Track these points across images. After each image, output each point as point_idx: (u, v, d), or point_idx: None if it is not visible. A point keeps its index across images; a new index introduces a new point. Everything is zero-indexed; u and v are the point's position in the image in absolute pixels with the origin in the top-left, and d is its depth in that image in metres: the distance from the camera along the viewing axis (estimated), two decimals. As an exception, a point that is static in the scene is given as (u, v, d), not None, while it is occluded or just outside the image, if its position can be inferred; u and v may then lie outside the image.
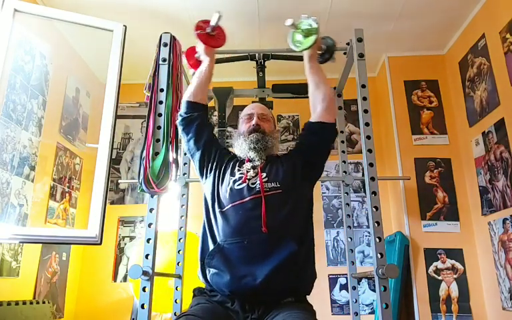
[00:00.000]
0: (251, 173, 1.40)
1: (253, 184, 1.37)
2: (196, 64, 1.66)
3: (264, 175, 1.39)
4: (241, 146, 1.48)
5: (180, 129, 1.53)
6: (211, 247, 1.35)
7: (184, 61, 1.80)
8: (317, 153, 1.48)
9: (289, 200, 1.36)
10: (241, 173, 1.41)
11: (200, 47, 1.59)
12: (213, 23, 1.53)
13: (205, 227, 1.42)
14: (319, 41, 1.55)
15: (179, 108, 1.77)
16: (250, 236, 1.28)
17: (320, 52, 1.65)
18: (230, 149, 1.60)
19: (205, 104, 1.55)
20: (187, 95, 1.53)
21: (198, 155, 1.49)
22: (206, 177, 1.49)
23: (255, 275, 1.23)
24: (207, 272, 1.33)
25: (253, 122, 1.50)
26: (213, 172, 1.47)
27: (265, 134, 1.49)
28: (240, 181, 1.39)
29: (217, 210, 1.38)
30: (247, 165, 1.43)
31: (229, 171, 1.45)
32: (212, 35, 1.56)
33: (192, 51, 1.72)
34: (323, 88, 1.49)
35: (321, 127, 1.46)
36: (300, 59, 2.34)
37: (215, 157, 1.49)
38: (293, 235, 1.31)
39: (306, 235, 1.40)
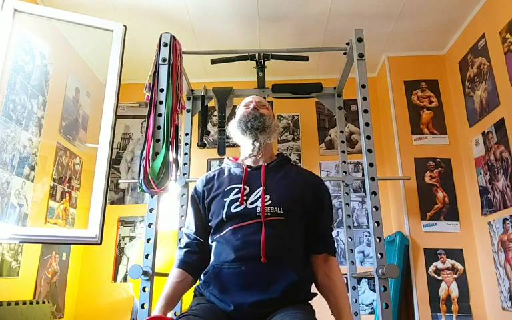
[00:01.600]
0: (247, 190, 1.32)
1: (251, 204, 1.29)
2: None
3: (267, 197, 1.29)
4: (237, 127, 1.41)
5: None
6: (209, 268, 1.30)
7: None
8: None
9: (289, 226, 1.29)
10: (236, 193, 1.32)
11: None
12: None
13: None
14: None
15: (179, 108, 1.77)
16: (248, 262, 1.21)
17: None
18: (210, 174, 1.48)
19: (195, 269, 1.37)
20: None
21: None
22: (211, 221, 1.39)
23: (252, 302, 1.18)
24: (203, 291, 1.30)
25: (251, 106, 1.44)
26: (210, 211, 1.38)
27: (263, 115, 1.42)
28: (237, 203, 1.30)
29: (217, 235, 1.32)
30: (247, 161, 1.38)
31: (220, 195, 1.35)
32: None
33: None
34: (320, 288, 1.35)
35: (311, 251, 1.35)
36: (300, 58, 2.35)
37: (206, 208, 1.39)
38: (293, 264, 1.25)
39: (306, 260, 1.35)
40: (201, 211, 1.41)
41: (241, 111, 1.49)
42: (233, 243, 1.25)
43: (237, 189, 1.33)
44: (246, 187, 1.33)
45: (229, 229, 1.28)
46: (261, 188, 1.31)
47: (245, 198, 1.30)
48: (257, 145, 1.38)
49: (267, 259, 1.21)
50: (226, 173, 1.43)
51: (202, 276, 1.31)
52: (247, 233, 1.25)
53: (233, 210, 1.29)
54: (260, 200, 1.28)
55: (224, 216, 1.29)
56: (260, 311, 1.19)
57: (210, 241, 1.35)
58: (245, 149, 1.44)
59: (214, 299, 1.25)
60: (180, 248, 1.40)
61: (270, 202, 1.28)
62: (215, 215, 1.33)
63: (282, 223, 1.27)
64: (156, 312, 1.25)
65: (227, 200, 1.31)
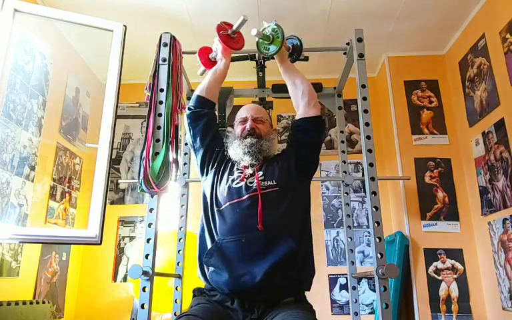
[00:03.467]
0: (249, 171, 1.41)
1: (250, 183, 1.38)
2: (208, 63, 1.67)
3: (260, 173, 1.40)
4: (235, 150, 1.48)
5: (187, 121, 1.53)
6: (209, 245, 1.36)
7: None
8: (306, 149, 1.48)
9: (285, 197, 1.37)
10: (239, 172, 1.42)
11: (219, 48, 1.59)
12: (236, 26, 1.56)
13: (203, 225, 1.43)
14: (285, 42, 1.58)
15: (179, 108, 1.77)
16: (247, 234, 1.29)
17: (288, 52, 1.68)
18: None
19: (214, 102, 1.57)
20: (199, 90, 1.54)
21: (201, 152, 1.50)
22: (206, 175, 1.50)
23: (253, 274, 1.24)
24: (206, 270, 1.34)
25: (247, 126, 1.50)
26: (213, 170, 1.48)
27: (260, 137, 1.48)
28: (238, 180, 1.40)
29: (215, 208, 1.39)
30: (245, 162, 1.44)
31: (227, 170, 1.45)
32: (232, 38, 1.59)
33: (205, 50, 1.73)
34: (301, 85, 1.50)
35: (305, 122, 1.48)
36: (300, 58, 2.35)
37: (217, 156, 1.50)
38: (290, 232, 1.32)
39: (304, 232, 1.40)
40: (217, 145, 1.51)
41: (237, 129, 1.54)
42: (232, 217, 1.33)
43: (240, 170, 1.44)
44: (247, 167, 1.43)
45: (228, 203, 1.36)
46: (255, 168, 1.43)
47: (246, 177, 1.40)
48: (255, 161, 1.45)
49: (264, 227, 1.29)
50: (236, 163, 1.51)
51: (204, 255, 1.34)
52: (245, 207, 1.33)
53: (233, 185, 1.39)
54: (255, 177, 1.39)
55: (225, 190, 1.39)
56: (262, 285, 1.22)
57: (210, 213, 1.41)
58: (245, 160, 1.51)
59: (216, 275, 1.29)
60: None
61: (263, 177, 1.40)
62: (219, 183, 1.43)
63: (277, 193, 1.36)
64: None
65: (231, 177, 1.42)
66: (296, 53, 1.78)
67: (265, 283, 1.23)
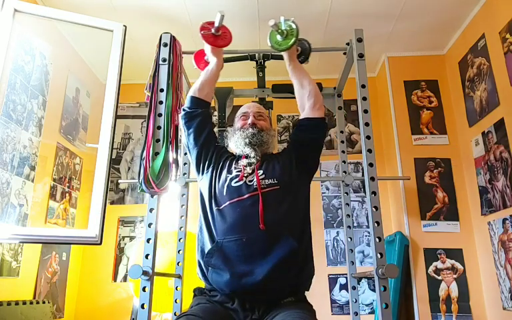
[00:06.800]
0: (248, 170, 1.41)
1: (250, 181, 1.37)
2: (205, 66, 1.67)
3: (260, 172, 1.40)
4: (236, 141, 1.49)
5: (182, 122, 1.54)
6: (209, 244, 1.35)
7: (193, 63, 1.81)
8: (307, 149, 1.49)
9: (286, 196, 1.36)
10: (237, 171, 1.42)
11: (206, 48, 1.59)
12: (216, 23, 1.54)
13: (202, 225, 1.42)
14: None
15: (179, 108, 1.77)
16: (248, 233, 1.28)
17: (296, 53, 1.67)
18: (228, 149, 1.61)
19: (208, 101, 1.56)
20: (192, 90, 1.55)
21: (196, 151, 1.50)
22: (202, 174, 1.49)
23: (254, 273, 1.23)
24: (206, 270, 1.34)
25: (249, 121, 1.51)
26: (210, 169, 1.47)
27: (261, 130, 1.50)
28: (237, 179, 1.39)
29: (214, 208, 1.38)
30: (243, 162, 1.44)
31: (225, 169, 1.45)
32: (217, 35, 1.58)
33: (201, 53, 1.73)
34: (308, 86, 1.51)
35: (309, 123, 1.48)
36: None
37: (213, 155, 1.50)
38: (291, 231, 1.31)
39: (304, 231, 1.40)
40: (212, 144, 1.50)
41: (238, 123, 1.55)
42: (232, 216, 1.32)
43: (239, 169, 1.43)
44: (246, 166, 1.43)
45: (227, 202, 1.35)
46: (254, 167, 1.42)
47: (245, 175, 1.39)
48: (256, 159, 1.45)
49: (266, 226, 1.28)
50: (234, 159, 1.51)
51: (205, 255, 1.33)
52: (245, 206, 1.32)
53: (233, 184, 1.38)
54: (254, 175, 1.38)
55: (224, 189, 1.38)
56: (264, 285, 1.22)
57: (209, 213, 1.40)
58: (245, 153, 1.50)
59: (216, 275, 1.28)
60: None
61: (264, 175, 1.39)
62: (217, 182, 1.42)
63: (278, 192, 1.36)
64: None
65: (229, 176, 1.41)
66: (304, 55, 1.78)
67: (266, 283, 1.22)
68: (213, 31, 1.56)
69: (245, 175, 1.39)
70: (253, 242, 1.27)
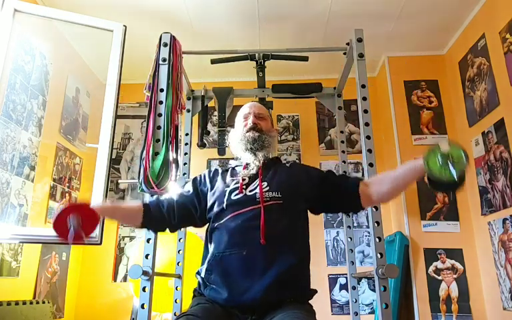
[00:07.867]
0: (246, 180, 1.37)
1: (250, 191, 1.34)
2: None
3: (265, 184, 1.36)
4: (237, 146, 1.47)
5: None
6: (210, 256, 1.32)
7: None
8: (328, 206, 1.45)
9: (288, 211, 1.33)
10: (236, 183, 1.38)
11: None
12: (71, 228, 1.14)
13: (207, 239, 1.40)
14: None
15: (179, 108, 1.77)
16: (249, 247, 1.25)
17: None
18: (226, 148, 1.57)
19: (153, 219, 1.43)
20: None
21: (206, 215, 1.42)
22: (210, 210, 1.41)
23: (253, 290, 1.21)
24: (204, 287, 1.31)
25: (250, 121, 1.48)
26: (211, 200, 1.41)
27: (262, 132, 1.47)
28: (236, 191, 1.35)
29: (217, 223, 1.35)
30: (243, 172, 1.41)
31: (222, 185, 1.40)
32: (79, 233, 1.16)
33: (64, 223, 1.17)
34: (388, 195, 1.38)
35: (353, 198, 1.37)
36: (300, 58, 2.35)
37: (207, 193, 1.43)
38: (292, 247, 1.29)
39: (304, 247, 1.37)
40: (195, 193, 1.43)
41: (240, 126, 1.52)
42: (233, 229, 1.29)
43: (237, 180, 1.39)
44: (245, 178, 1.39)
45: (229, 216, 1.31)
46: (258, 178, 1.38)
47: (244, 186, 1.35)
48: (257, 163, 1.43)
49: (267, 241, 1.24)
50: (229, 171, 1.49)
51: (205, 271, 1.31)
52: (247, 219, 1.29)
53: (233, 197, 1.34)
54: (257, 186, 1.34)
55: (224, 204, 1.33)
56: (262, 300, 1.20)
57: (213, 228, 1.37)
58: (246, 161, 1.48)
59: (214, 292, 1.26)
60: (158, 197, 1.49)
61: (268, 188, 1.34)
62: (216, 203, 1.37)
63: (281, 206, 1.32)
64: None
65: (228, 189, 1.37)
66: (434, 185, 1.29)
67: (264, 299, 1.20)
68: (71, 232, 1.13)
69: (244, 186, 1.36)
70: (253, 256, 1.24)
